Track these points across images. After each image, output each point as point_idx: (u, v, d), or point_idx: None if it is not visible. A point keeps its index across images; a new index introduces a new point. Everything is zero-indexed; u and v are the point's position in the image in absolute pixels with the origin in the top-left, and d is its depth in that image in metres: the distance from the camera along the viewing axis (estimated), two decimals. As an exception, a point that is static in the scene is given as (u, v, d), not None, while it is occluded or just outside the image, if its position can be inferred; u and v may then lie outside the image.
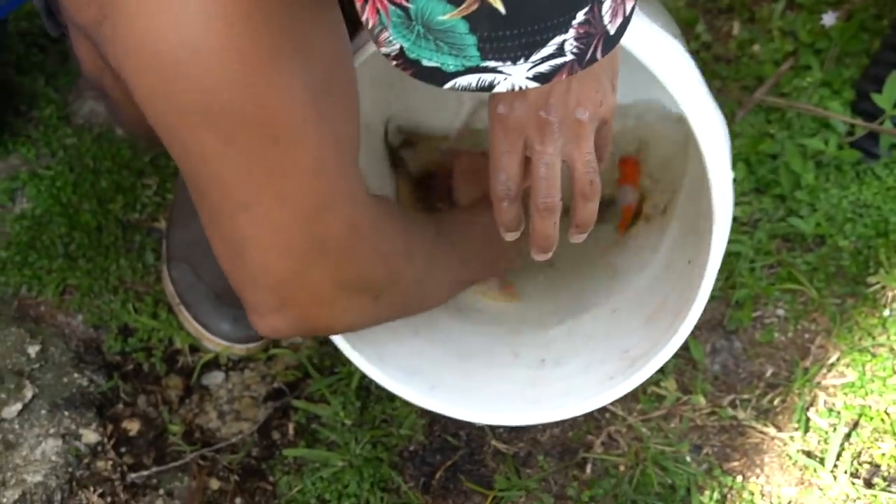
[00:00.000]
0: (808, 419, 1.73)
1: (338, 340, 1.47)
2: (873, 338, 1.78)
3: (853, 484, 1.67)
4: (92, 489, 1.67)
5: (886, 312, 1.80)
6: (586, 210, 1.26)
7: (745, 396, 1.74)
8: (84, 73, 1.28)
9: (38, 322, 1.80)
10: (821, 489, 1.67)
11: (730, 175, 1.37)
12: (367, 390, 1.75)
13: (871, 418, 1.72)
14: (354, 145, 1.24)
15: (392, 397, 1.72)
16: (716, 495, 1.66)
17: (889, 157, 1.91)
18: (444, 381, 1.53)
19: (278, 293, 1.25)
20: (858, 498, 1.66)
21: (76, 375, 1.75)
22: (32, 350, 1.77)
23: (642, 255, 1.72)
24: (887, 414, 1.72)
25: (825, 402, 1.74)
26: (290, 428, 1.75)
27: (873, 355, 1.77)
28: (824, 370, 1.76)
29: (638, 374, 1.45)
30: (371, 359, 1.50)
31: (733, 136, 1.88)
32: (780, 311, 1.81)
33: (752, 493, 1.68)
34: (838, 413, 1.73)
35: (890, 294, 1.80)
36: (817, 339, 1.79)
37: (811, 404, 1.74)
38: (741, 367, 1.77)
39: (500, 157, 1.22)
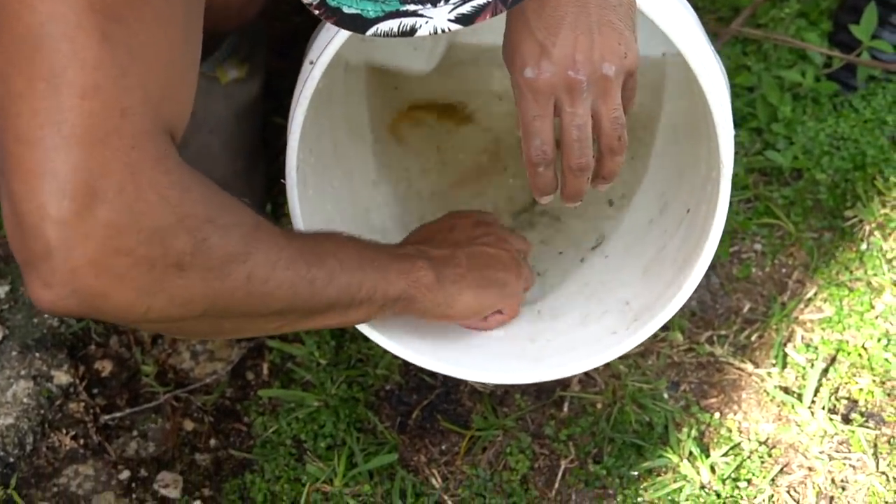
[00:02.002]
0: (785, 355, 1.72)
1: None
2: (851, 272, 1.77)
3: (831, 420, 1.66)
4: (64, 431, 1.66)
5: (864, 246, 1.79)
6: (614, 163, 1.26)
7: (723, 332, 1.73)
8: None
9: (7, 262, 1.78)
10: (798, 425, 1.66)
11: (731, 124, 1.36)
12: (342, 329, 1.73)
13: (849, 353, 1.71)
14: (161, 76, 1.07)
15: (367, 337, 1.67)
16: (693, 432, 1.65)
17: (866, 90, 1.89)
18: (446, 336, 1.51)
19: (45, 255, 1.03)
20: (836, 434, 1.65)
21: (46, 316, 1.73)
22: (2, 290, 1.76)
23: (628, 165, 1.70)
24: (864, 349, 1.71)
25: (802, 338, 1.73)
26: (265, 368, 1.74)
27: (850, 290, 1.76)
28: (802, 305, 1.75)
29: (643, 331, 1.44)
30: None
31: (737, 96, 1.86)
32: (758, 246, 1.80)
33: (729, 430, 1.67)
34: (816, 349, 1.72)
35: (867, 228, 1.80)
36: (795, 274, 1.78)
37: (789, 340, 1.73)
38: (718, 303, 1.76)
39: (531, 121, 1.20)
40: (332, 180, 1.60)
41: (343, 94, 1.71)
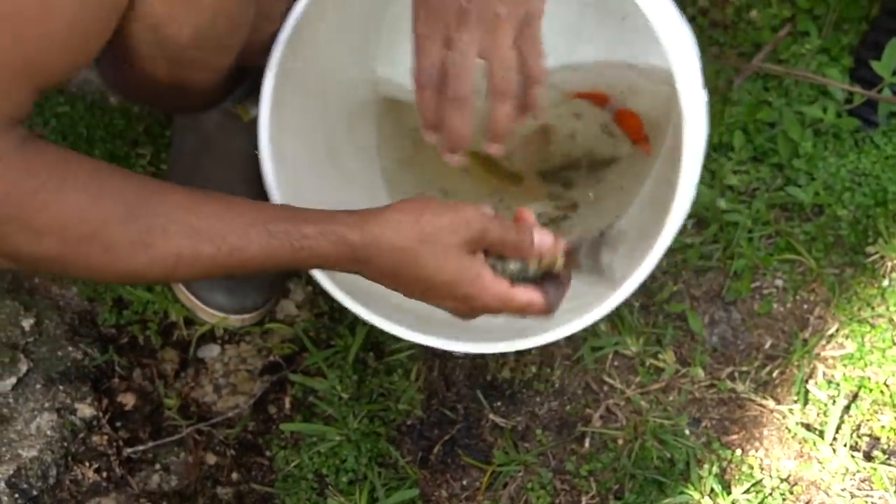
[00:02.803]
0: (807, 391, 1.70)
1: (320, 277, 1.41)
2: (872, 308, 1.75)
3: (853, 457, 1.64)
4: (87, 464, 1.65)
5: (885, 283, 1.77)
6: (501, 112, 1.22)
7: (744, 368, 1.72)
8: None
9: (32, 294, 1.76)
10: (820, 462, 1.64)
11: (701, 86, 1.37)
12: (365, 364, 1.72)
13: (871, 390, 1.69)
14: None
15: (389, 371, 1.70)
16: (715, 469, 1.64)
17: (887, 126, 1.87)
18: (434, 316, 1.43)
19: None
20: (858, 471, 1.63)
21: (71, 349, 1.72)
22: (27, 323, 1.74)
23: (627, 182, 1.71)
24: (886, 385, 1.70)
25: (824, 374, 1.72)
26: (287, 402, 1.72)
27: (872, 326, 1.74)
28: (823, 341, 1.73)
29: (619, 292, 1.41)
30: (358, 297, 1.44)
31: (731, 103, 1.84)
32: (779, 282, 1.78)
33: (751, 467, 1.65)
34: (837, 385, 1.70)
35: (889, 264, 1.78)
36: (816, 310, 1.76)
37: (810, 376, 1.72)
38: (740, 339, 1.75)
39: (422, 41, 1.19)
40: (330, 181, 1.59)
41: (346, 113, 1.70)
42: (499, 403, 1.72)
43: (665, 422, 1.69)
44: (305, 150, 1.54)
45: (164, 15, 1.17)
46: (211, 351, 1.77)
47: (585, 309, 1.45)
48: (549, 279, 1.26)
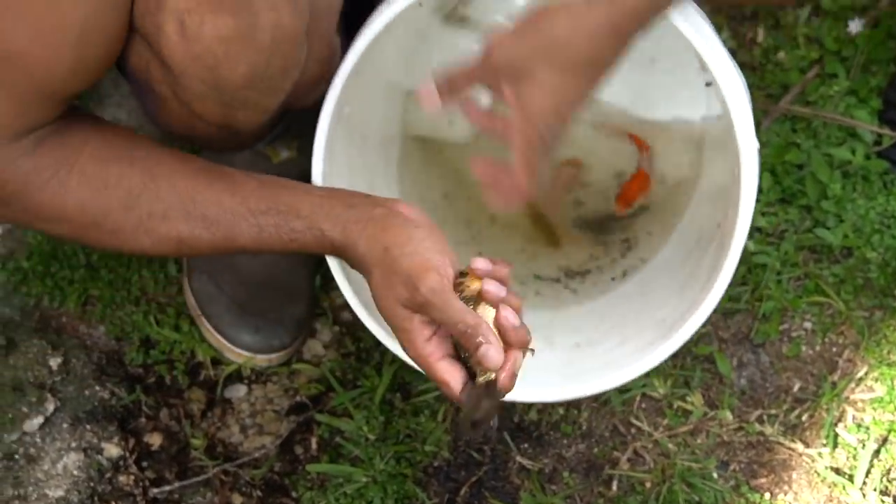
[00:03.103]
0: (836, 435, 1.68)
1: (361, 313, 1.43)
2: (902, 351, 1.71)
3: (882, 501, 1.62)
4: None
5: (915, 325, 1.72)
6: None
7: (773, 411, 1.70)
8: (128, 65, 1.27)
9: (59, 333, 1.76)
10: (850, 507, 1.61)
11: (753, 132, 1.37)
12: (391, 405, 1.71)
13: (901, 434, 1.65)
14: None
15: (416, 412, 1.69)
16: (743, 513, 1.60)
17: (917, 168, 1.84)
18: None
19: None
20: (888, 516, 1.61)
21: (98, 388, 1.72)
22: (54, 362, 1.73)
23: (665, 220, 1.70)
24: (917, 430, 1.65)
25: (854, 418, 1.69)
26: (313, 442, 1.71)
27: (902, 369, 1.70)
28: (852, 384, 1.71)
29: (677, 336, 1.41)
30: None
31: (759, 145, 1.82)
32: (808, 324, 1.76)
33: (780, 511, 1.61)
34: (867, 429, 1.68)
35: (919, 307, 1.73)
36: (845, 353, 1.74)
37: (839, 419, 1.69)
38: (768, 382, 1.73)
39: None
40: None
41: (383, 154, 1.70)
42: (526, 445, 1.70)
43: (693, 465, 1.66)
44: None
45: (222, 54, 1.18)
46: (238, 391, 1.76)
47: (639, 355, 1.45)
48: (489, 385, 1.17)
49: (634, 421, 1.71)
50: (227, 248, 1.28)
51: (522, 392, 1.37)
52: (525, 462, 1.69)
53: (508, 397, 1.22)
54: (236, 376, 1.76)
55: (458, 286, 1.16)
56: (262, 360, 1.72)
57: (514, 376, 1.14)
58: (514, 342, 1.14)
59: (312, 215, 1.25)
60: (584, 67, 1.18)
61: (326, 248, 1.25)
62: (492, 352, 1.12)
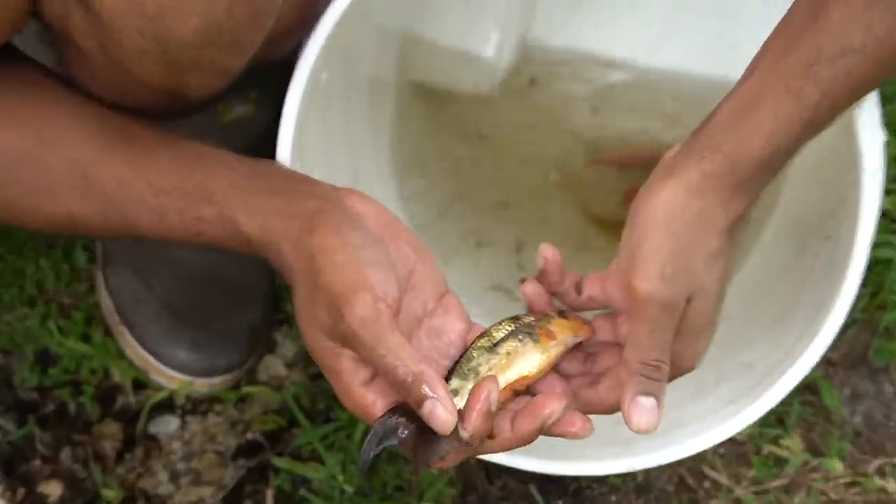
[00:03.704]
0: (981, 492, 1.39)
1: None
2: None
3: None
4: (-5, 580, 1.38)
5: None
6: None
7: (898, 460, 1.43)
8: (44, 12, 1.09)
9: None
10: None
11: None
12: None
13: None
14: None
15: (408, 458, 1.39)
16: None
17: None
18: None
19: None
20: None
21: (-22, 422, 1.48)
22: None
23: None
24: None
25: None
26: (269, 496, 1.48)
27: None
28: None
29: (768, 395, 1.21)
30: None
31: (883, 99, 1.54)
32: (945, 343, 1.49)
33: None
34: None
35: None
36: None
37: None
38: (893, 420, 1.47)
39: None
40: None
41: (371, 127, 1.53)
42: (560, 503, 1.46)
43: None
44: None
45: (168, 2, 1.02)
46: (167, 425, 1.55)
47: (717, 416, 1.26)
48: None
49: (709, 471, 1.45)
50: (128, 234, 1.14)
51: (548, 464, 1.23)
52: None
53: (527, 467, 1.15)
54: (166, 406, 1.55)
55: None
56: (202, 384, 1.54)
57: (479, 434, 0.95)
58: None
59: (226, 202, 1.09)
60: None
61: (243, 247, 1.09)
62: (439, 410, 0.93)
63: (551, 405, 0.91)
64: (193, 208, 1.10)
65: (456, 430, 0.92)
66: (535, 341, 0.96)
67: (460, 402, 0.93)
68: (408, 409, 0.92)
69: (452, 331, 1.00)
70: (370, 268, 0.97)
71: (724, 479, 1.45)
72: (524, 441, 0.93)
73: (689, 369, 1.00)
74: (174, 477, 1.50)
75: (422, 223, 1.54)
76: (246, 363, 1.53)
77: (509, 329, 0.97)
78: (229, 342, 1.52)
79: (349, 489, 1.44)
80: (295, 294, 1.01)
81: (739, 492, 1.42)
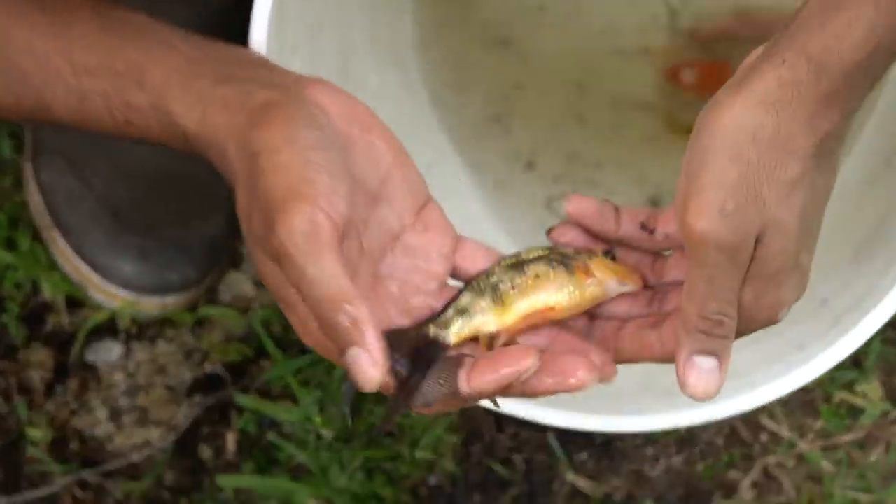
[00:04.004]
0: None
1: None
2: None
3: None
4: None
5: None
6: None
7: None
8: None
9: None
10: None
11: None
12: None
13: None
14: None
15: (396, 438, 1.47)
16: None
17: None
18: None
19: None
20: None
21: None
22: None
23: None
24: None
25: None
26: (230, 441, 1.41)
27: None
28: None
29: (844, 340, 1.13)
30: None
31: None
32: None
33: None
34: None
35: None
36: None
37: None
38: None
39: None
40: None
41: None
42: (584, 456, 1.38)
43: (862, 496, 1.33)
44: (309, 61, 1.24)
45: None
46: (108, 352, 1.47)
47: (783, 364, 1.17)
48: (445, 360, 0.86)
49: (767, 422, 1.37)
50: (45, 119, 1.05)
51: (572, 416, 1.12)
52: (582, 484, 1.36)
53: (546, 420, 1.09)
54: (107, 329, 1.47)
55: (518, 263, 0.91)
56: (150, 304, 1.45)
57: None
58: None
59: (161, 87, 0.98)
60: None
61: (179, 143, 0.98)
62: (363, 361, 0.81)
63: (520, 361, 0.81)
64: (121, 92, 0.99)
65: (455, 376, 0.82)
66: (570, 273, 0.88)
67: (467, 325, 0.84)
68: (399, 337, 0.83)
69: (434, 247, 0.90)
70: (318, 173, 0.86)
71: (784, 432, 1.38)
72: (481, 397, 0.84)
73: (769, 322, 0.88)
74: (115, 415, 1.44)
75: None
76: (205, 280, 1.47)
77: (541, 253, 0.90)
78: (185, 253, 1.43)
79: (327, 434, 1.38)
80: (237, 202, 0.90)
81: (803, 446, 1.36)
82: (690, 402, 1.02)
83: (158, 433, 1.43)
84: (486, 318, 0.85)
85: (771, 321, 0.88)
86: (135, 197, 1.41)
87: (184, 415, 1.43)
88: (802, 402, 1.39)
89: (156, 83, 0.96)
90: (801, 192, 0.86)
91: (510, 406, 1.14)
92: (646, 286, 0.90)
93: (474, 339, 0.85)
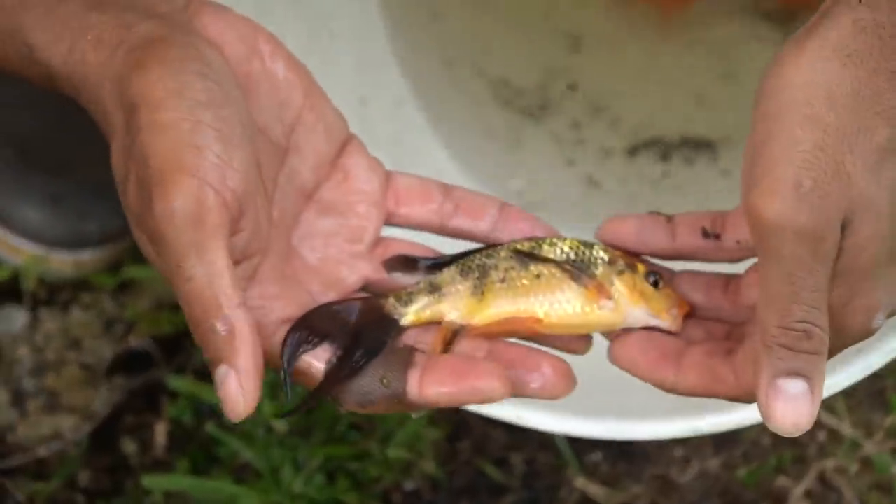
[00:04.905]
0: None
1: None
2: None
3: None
4: None
5: None
6: None
7: None
8: None
9: None
10: None
11: None
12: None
13: None
14: None
15: (364, 433, 1.34)
16: None
17: None
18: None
19: None
20: None
21: None
22: None
23: None
24: None
25: None
26: (160, 432, 1.27)
27: None
28: None
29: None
30: None
31: None
32: None
33: None
34: None
35: None
36: None
37: None
38: None
39: None
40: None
41: None
42: (598, 457, 1.26)
43: None
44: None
45: None
46: (10, 322, 1.36)
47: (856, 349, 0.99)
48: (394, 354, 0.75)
49: (825, 417, 1.25)
50: None
51: (571, 422, 1.05)
52: (594, 491, 1.23)
53: (542, 426, 1.01)
54: (8, 292, 1.35)
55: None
56: (63, 261, 1.33)
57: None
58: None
59: (17, 9, 0.83)
60: None
61: (42, 81, 0.82)
62: (231, 387, 0.69)
63: (488, 381, 0.72)
64: None
65: (402, 376, 0.72)
66: (581, 286, 0.77)
67: (432, 306, 0.75)
68: (333, 313, 0.73)
69: (358, 198, 0.78)
70: (208, 139, 0.73)
71: (846, 429, 1.25)
72: (430, 407, 0.76)
73: (863, 333, 0.75)
74: (18, 399, 1.31)
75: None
76: (130, 231, 1.24)
77: (563, 251, 0.78)
78: (106, 199, 1.31)
79: (280, 427, 1.21)
80: (112, 161, 0.76)
81: (870, 448, 1.22)
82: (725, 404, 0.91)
83: (71, 422, 1.30)
84: (456, 305, 0.74)
85: (865, 331, 0.74)
86: (43, 131, 1.31)
87: (102, 400, 1.31)
88: (869, 394, 1.29)
89: (7, 2, 0.83)
90: (892, 163, 0.72)
91: (493, 409, 1.04)
92: (710, 318, 0.78)
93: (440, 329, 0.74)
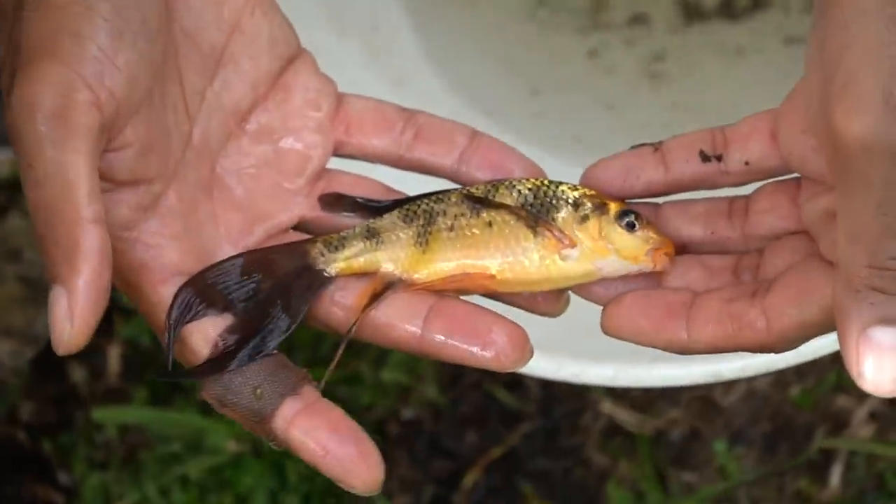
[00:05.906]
0: None
1: None
2: None
3: None
4: None
5: None
6: None
7: None
8: None
9: None
10: None
11: None
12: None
13: None
14: None
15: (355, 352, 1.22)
16: None
17: None
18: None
19: None
20: None
21: None
22: None
23: None
24: None
25: None
26: (114, 356, 1.20)
27: None
28: None
29: None
30: None
31: None
32: None
33: None
34: None
35: None
36: None
37: None
38: None
39: None
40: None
41: None
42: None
43: None
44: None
45: None
46: None
47: None
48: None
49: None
50: None
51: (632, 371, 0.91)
52: (624, 417, 1.14)
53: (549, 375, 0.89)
54: None
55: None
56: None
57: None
58: None
59: None
60: None
61: None
62: (60, 307, 0.63)
63: (352, 463, 0.63)
64: None
65: (276, 399, 0.65)
66: (535, 234, 0.70)
67: (366, 254, 0.68)
68: (244, 261, 0.66)
69: (302, 122, 0.71)
70: (95, 28, 0.65)
71: None
72: (289, 447, 0.67)
73: None
74: None
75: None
76: None
77: (522, 193, 0.72)
78: None
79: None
80: None
81: None
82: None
83: (9, 347, 1.24)
84: (395, 255, 0.68)
85: None
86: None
87: (46, 321, 1.21)
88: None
89: None
90: None
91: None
92: (713, 251, 0.69)
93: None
